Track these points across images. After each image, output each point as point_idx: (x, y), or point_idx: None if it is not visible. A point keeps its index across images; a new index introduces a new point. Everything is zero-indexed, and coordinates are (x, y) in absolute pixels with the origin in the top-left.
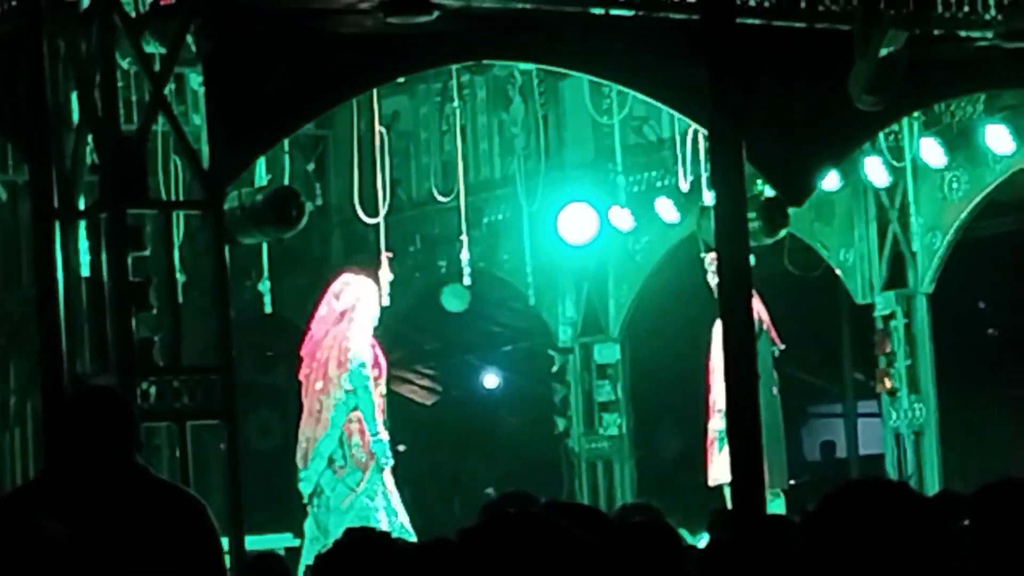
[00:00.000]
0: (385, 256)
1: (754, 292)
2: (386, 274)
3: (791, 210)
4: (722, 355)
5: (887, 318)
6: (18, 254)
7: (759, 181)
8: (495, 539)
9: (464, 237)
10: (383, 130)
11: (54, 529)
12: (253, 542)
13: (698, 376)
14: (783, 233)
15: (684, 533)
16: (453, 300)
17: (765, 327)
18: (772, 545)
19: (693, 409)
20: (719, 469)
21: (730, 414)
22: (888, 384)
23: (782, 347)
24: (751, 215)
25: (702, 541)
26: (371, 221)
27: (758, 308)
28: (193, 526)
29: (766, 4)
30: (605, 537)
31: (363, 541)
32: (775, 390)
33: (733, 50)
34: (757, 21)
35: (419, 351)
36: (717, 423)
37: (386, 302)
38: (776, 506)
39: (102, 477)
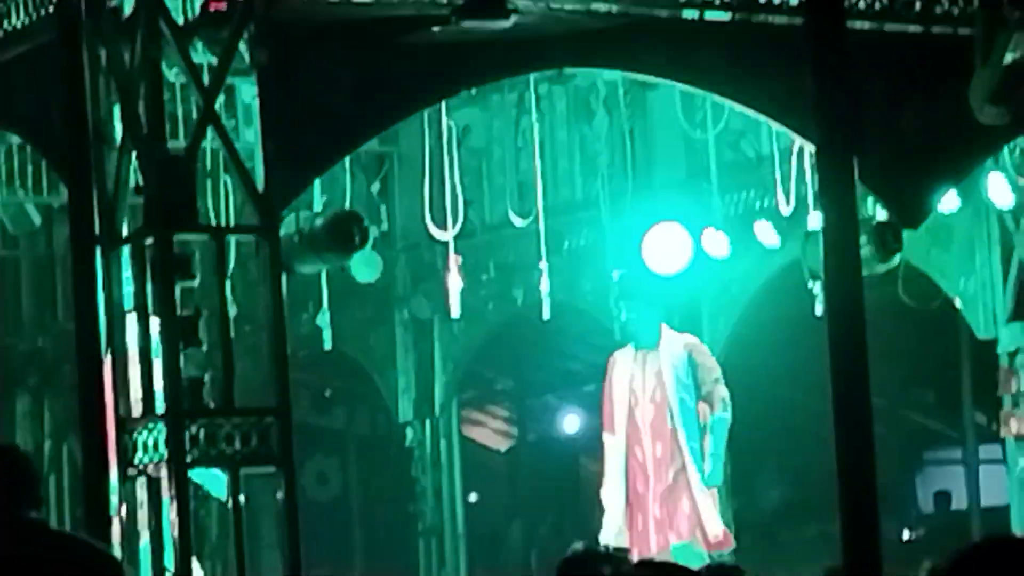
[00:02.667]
0: (454, 260)
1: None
2: (456, 281)
3: (905, 234)
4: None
5: (1012, 354)
6: (53, 285)
7: (870, 201)
8: None
9: (544, 264)
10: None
11: None
12: None
13: (801, 419)
14: (897, 259)
15: None
16: (364, 269)
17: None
18: None
19: (796, 456)
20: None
21: (841, 460)
22: (1014, 427)
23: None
24: (862, 240)
25: None
26: (442, 237)
27: (690, 343)
28: None
29: (877, 6)
30: None
31: None
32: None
33: (841, 56)
34: (867, 25)
35: (492, 391)
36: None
37: (456, 313)
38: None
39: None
